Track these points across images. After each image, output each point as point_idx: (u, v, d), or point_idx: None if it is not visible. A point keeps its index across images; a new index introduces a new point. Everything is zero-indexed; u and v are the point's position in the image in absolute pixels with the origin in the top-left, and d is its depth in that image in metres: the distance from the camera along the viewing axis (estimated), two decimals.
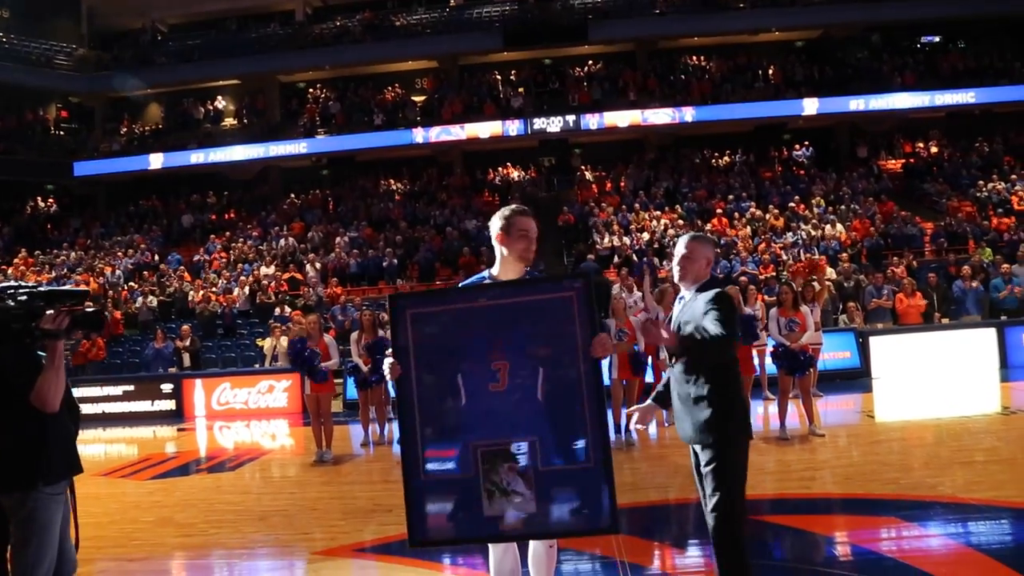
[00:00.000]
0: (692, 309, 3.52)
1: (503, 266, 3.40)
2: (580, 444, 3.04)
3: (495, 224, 3.41)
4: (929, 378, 11.47)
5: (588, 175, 23.71)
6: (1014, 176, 19.86)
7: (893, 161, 23.62)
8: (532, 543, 3.32)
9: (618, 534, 3.25)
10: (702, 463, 3.48)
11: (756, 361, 9.82)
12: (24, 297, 3.14)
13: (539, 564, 3.32)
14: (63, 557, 3.25)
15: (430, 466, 3.12)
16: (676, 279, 3.71)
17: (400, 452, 3.22)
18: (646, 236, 18.42)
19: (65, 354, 3.42)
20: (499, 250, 3.41)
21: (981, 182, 19.98)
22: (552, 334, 3.12)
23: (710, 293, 3.50)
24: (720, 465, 3.40)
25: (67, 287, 3.09)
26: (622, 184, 22.35)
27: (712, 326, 3.33)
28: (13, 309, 3.10)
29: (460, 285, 3.50)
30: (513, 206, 3.51)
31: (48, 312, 3.09)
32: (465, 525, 3.09)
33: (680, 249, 3.64)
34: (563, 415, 3.07)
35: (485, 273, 3.49)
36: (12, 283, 3.23)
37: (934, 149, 23.38)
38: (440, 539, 3.26)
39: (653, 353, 9.14)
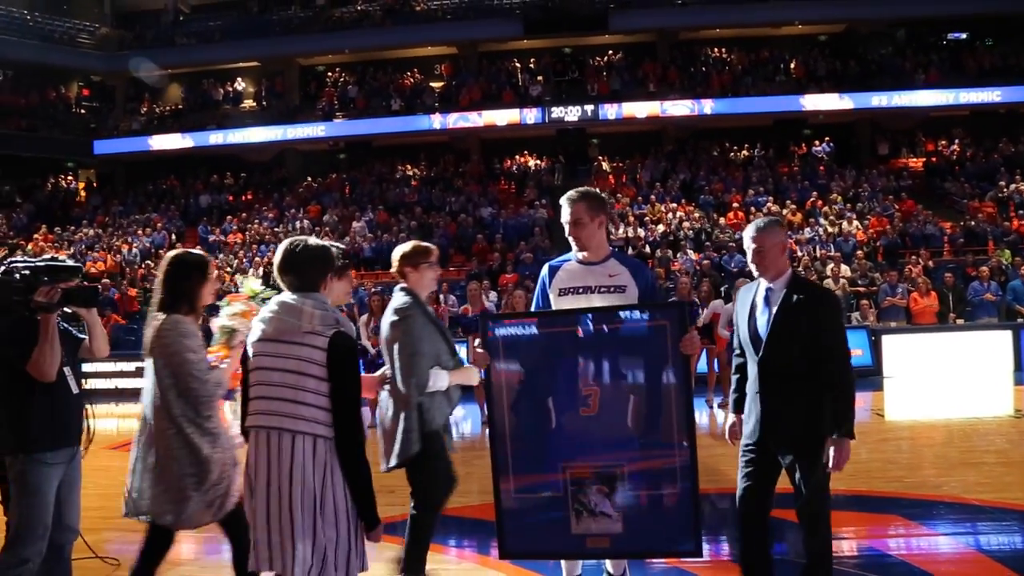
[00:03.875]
0: (794, 314, 3.23)
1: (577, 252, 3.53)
2: (668, 470, 3.14)
3: None
4: (942, 379, 11.37)
5: (605, 165, 23.60)
6: None
7: (915, 159, 23.31)
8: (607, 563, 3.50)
9: (700, 558, 3.36)
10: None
11: None
12: (27, 272, 3.21)
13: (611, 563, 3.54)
14: (61, 524, 3.32)
15: (521, 484, 3.24)
16: (756, 274, 3.41)
17: (492, 469, 3.31)
18: (661, 228, 18.33)
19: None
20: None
21: (1003, 183, 19.69)
22: (644, 361, 3.21)
23: (815, 295, 3.29)
24: None
25: (63, 262, 3.13)
26: (639, 175, 22.24)
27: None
28: (15, 283, 3.18)
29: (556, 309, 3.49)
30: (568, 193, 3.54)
31: (42, 286, 3.15)
32: (552, 541, 3.23)
33: (748, 243, 3.33)
34: (652, 441, 3.17)
35: (571, 255, 3.56)
36: (21, 259, 3.31)
37: (956, 148, 23.05)
38: (528, 552, 3.41)
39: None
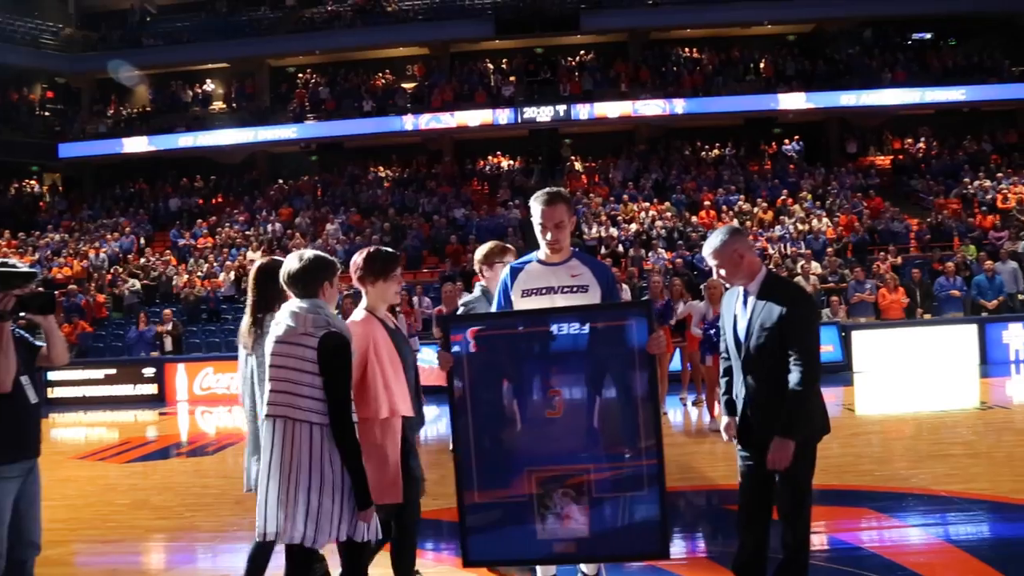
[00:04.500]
0: (767, 314, 3.23)
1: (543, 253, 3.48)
2: (634, 472, 3.10)
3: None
4: (910, 373, 11.55)
5: (578, 165, 23.66)
6: (1000, 174, 19.96)
7: (882, 157, 23.68)
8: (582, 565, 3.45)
9: (668, 560, 3.33)
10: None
11: None
12: None
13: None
14: (22, 540, 3.21)
15: (485, 489, 3.18)
16: (727, 286, 3.44)
17: (455, 474, 3.25)
18: (634, 228, 18.42)
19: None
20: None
21: (968, 180, 20.08)
22: (610, 362, 3.19)
23: (787, 295, 3.24)
24: None
25: (14, 267, 3.02)
26: (611, 175, 22.34)
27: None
28: None
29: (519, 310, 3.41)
30: (541, 192, 3.47)
31: None
32: (518, 546, 3.18)
33: (710, 261, 3.33)
34: (619, 443, 3.14)
35: (532, 256, 3.52)
36: None
37: (922, 146, 23.45)
38: (493, 559, 3.35)
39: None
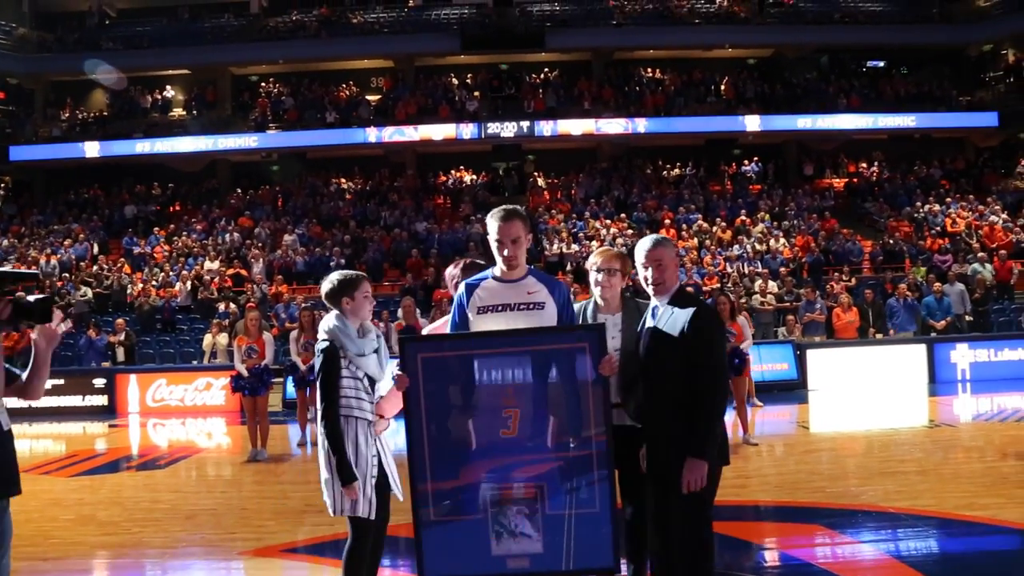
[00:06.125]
0: (669, 332, 3.25)
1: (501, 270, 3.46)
2: (587, 490, 3.18)
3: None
4: (863, 391, 11.80)
5: (541, 181, 23.79)
6: (949, 199, 20.62)
7: (837, 179, 24.30)
8: None
9: (619, 575, 3.39)
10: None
11: None
12: None
13: None
14: None
15: (440, 506, 3.25)
16: (653, 293, 3.38)
17: (410, 491, 3.31)
18: (595, 245, 18.55)
19: None
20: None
21: (919, 203, 20.69)
22: (564, 382, 3.26)
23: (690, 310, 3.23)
24: None
25: (13, 269, 2.65)
26: (573, 192, 22.50)
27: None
28: None
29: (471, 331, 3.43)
30: (497, 208, 3.46)
31: None
32: (473, 563, 3.24)
33: (642, 258, 3.32)
34: (572, 462, 3.21)
35: (487, 273, 3.51)
36: None
37: (876, 170, 24.13)
38: (449, 575, 3.37)
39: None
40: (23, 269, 2.92)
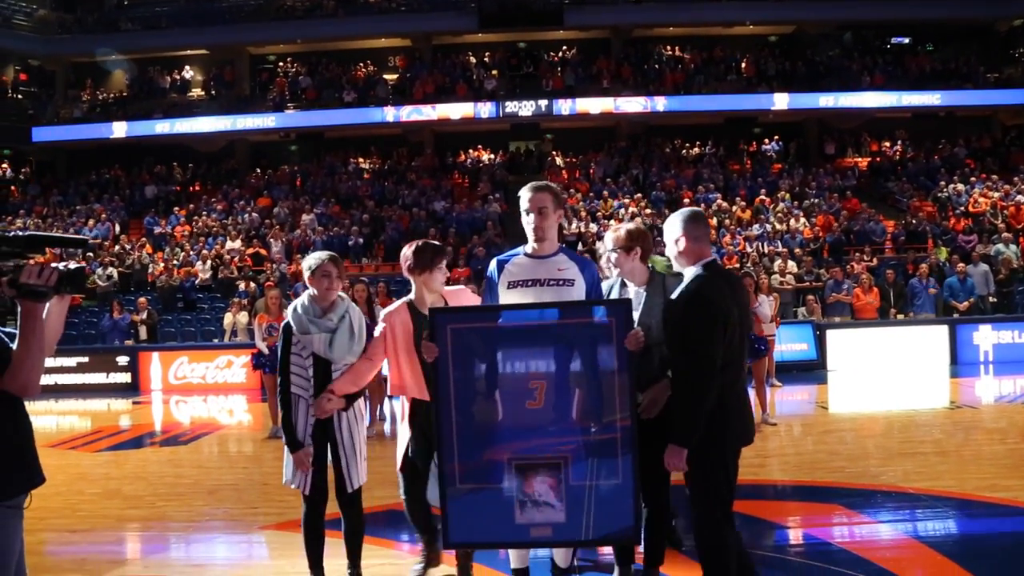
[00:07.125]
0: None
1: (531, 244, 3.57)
2: (611, 461, 3.21)
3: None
4: (883, 372, 11.72)
5: (559, 160, 23.67)
6: (973, 179, 20.27)
7: (860, 159, 23.96)
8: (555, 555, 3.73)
9: (639, 545, 3.51)
10: None
11: None
12: (11, 241, 2.42)
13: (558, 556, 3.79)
14: None
15: (466, 475, 3.30)
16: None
17: (438, 460, 3.37)
18: (614, 224, 18.47)
19: None
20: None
21: (942, 183, 20.37)
22: (590, 356, 3.29)
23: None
24: None
25: (60, 234, 2.48)
26: (592, 171, 22.39)
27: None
28: None
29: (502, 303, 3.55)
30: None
31: (30, 263, 2.37)
32: (497, 530, 3.32)
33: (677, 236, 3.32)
34: (596, 434, 3.24)
35: (519, 250, 3.60)
36: None
37: (899, 149, 23.75)
38: (473, 542, 3.51)
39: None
40: (71, 235, 2.85)
